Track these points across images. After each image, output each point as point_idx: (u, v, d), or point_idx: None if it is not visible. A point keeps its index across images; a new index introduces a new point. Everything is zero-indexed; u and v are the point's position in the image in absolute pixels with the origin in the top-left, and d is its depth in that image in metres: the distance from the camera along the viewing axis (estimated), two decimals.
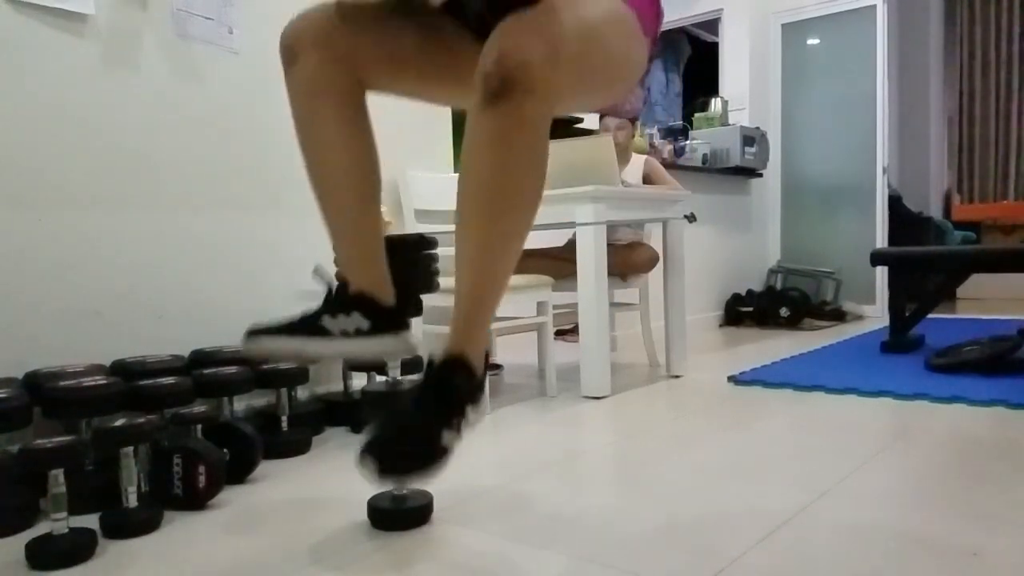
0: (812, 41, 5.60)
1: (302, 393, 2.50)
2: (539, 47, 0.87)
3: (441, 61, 1.13)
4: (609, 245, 2.98)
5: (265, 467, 1.99)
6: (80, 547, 1.43)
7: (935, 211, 6.76)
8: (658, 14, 1.12)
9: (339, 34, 1.08)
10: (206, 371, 2.00)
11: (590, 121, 4.03)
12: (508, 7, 1.04)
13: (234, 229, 2.37)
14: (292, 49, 1.09)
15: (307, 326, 1.15)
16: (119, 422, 1.62)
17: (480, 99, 0.87)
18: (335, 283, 1.18)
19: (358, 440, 0.91)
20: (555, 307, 3.19)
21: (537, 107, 0.88)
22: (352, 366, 2.50)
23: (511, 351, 3.86)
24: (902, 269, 3.78)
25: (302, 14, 1.12)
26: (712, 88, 5.61)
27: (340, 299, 1.16)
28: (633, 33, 1.05)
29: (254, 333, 1.17)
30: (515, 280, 2.81)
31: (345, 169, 1.11)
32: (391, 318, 1.18)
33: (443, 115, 3.08)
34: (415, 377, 2.16)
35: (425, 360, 1.07)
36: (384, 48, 1.10)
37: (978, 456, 1.95)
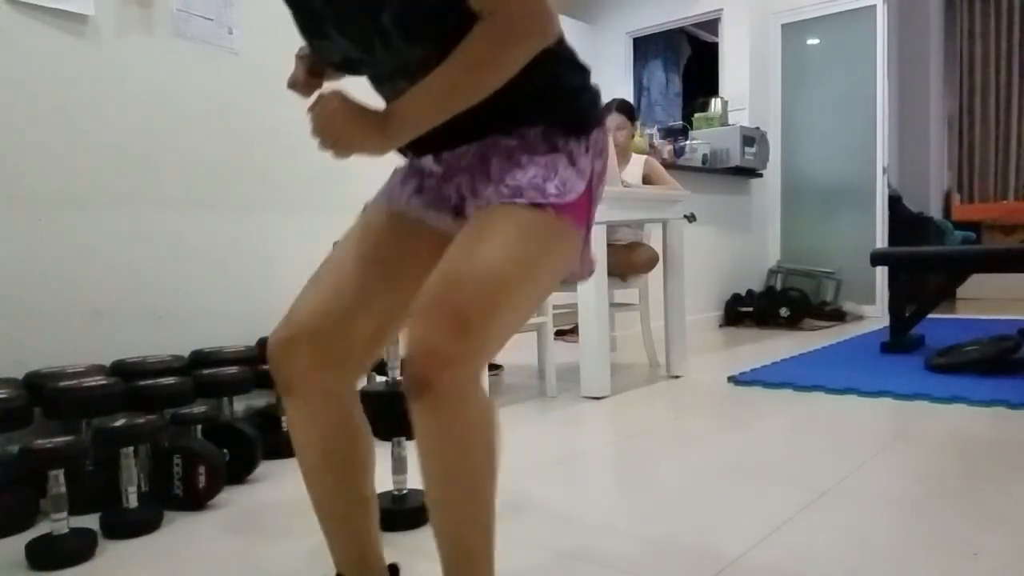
0: (812, 41, 5.60)
1: None
2: (441, 332, 0.84)
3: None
4: (609, 245, 2.98)
5: (265, 467, 1.99)
6: (80, 547, 1.43)
7: (935, 211, 6.76)
8: (591, 200, 1.05)
9: (333, 335, 1.00)
10: (206, 371, 2.00)
11: None
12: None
13: (234, 229, 2.37)
14: (287, 384, 1.00)
15: None
16: (119, 422, 1.62)
17: (408, 397, 0.86)
18: None
19: None
20: (555, 307, 3.19)
21: (458, 383, 0.85)
22: None
23: (511, 351, 3.86)
24: (902, 269, 3.78)
25: (282, 340, 1.00)
26: (712, 88, 5.61)
27: None
28: (560, 239, 0.99)
29: None
30: None
31: (344, 491, 1.07)
32: None
33: None
34: None
35: None
36: (383, 312, 1.04)
37: (978, 456, 1.95)
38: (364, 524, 1.10)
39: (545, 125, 1.01)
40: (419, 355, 0.84)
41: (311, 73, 1.09)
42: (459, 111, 0.92)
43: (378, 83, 1.07)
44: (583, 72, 1.07)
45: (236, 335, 2.30)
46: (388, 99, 1.04)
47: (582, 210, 1.02)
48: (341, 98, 0.91)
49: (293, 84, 1.10)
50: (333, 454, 1.04)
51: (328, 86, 1.01)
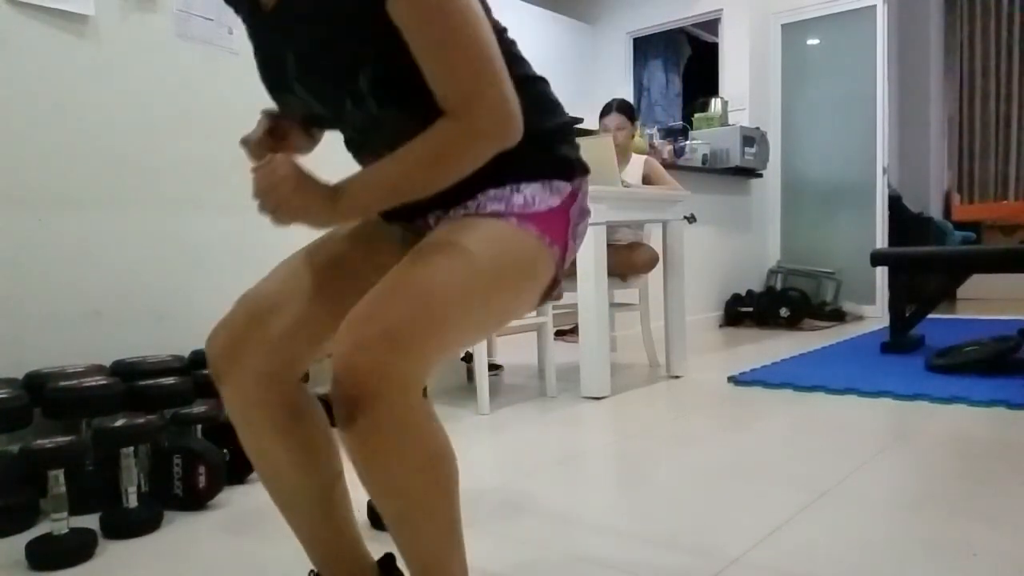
0: (812, 41, 5.60)
1: None
2: (369, 347, 0.78)
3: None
4: (609, 245, 2.98)
5: None
6: (80, 547, 1.43)
7: (935, 211, 6.77)
8: (567, 219, 1.00)
9: (270, 334, 0.96)
10: (206, 371, 2.00)
11: (590, 121, 4.03)
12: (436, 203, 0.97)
13: (234, 229, 2.37)
14: (220, 371, 0.98)
15: None
16: (119, 422, 1.62)
17: (337, 421, 0.80)
18: None
19: None
20: (555, 307, 3.19)
21: (394, 406, 0.78)
22: None
23: (511, 351, 3.86)
24: (902, 269, 3.78)
25: (223, 325, 0.99)
26: (712, 88, 5.61)
27: None
28: (523, 250, 0.94)
29: None
30: None
31: (299, 481, 1.02)
32: None
33: None
34: None
35: None
36: (323, 312, 0.99)
37: (978, 456, 1.95)
38: (331, 513, 1.06)
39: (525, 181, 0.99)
40: (346, 373, 0.78)
41: (270, 133, 1.02)
42: (410, 200, 0.90)
43: (356, 151, 1.05)
44: (563, 123, 1.04)
45: None
46: (365, 165, 1.02)
47: (554, 225, 0.98)
48: (292, 164, 0.88)
49: (245, 142, 1.01)
50: (281, 438, 0.99)
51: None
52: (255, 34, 1.00)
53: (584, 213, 1.05)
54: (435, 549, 0.91)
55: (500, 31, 0.99)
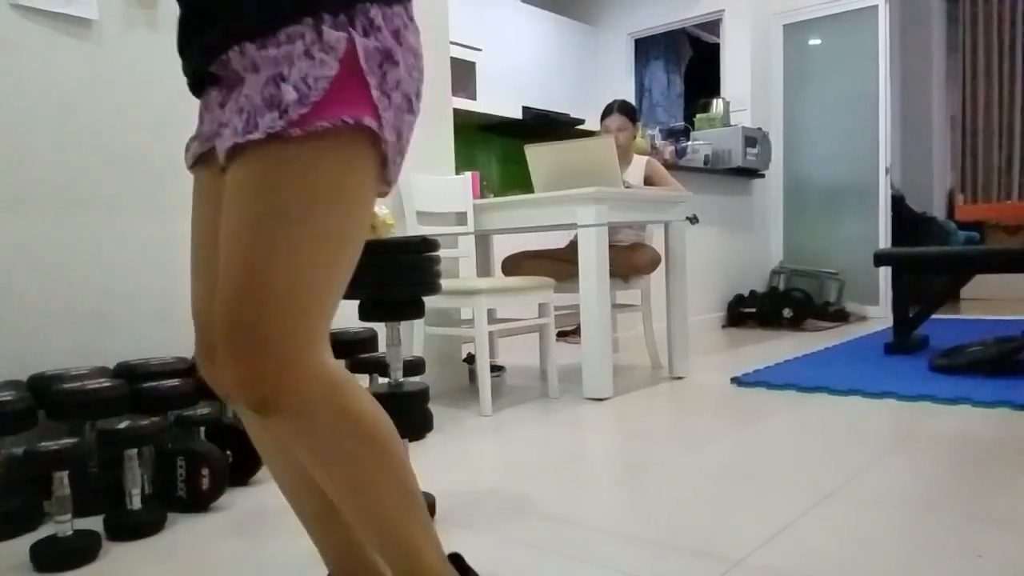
0: (814, 41, 5.60)
1: None
2: (242, 360, 0.76)
3: None
4: (611, 246, 2.98)
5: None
6: (84, 549, 1.44)
7: (938, 211, 6.75)
8: (360, 75, 0.78)
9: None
10: None
11: (591, 122, 4.04)
12: None
13: None
14: (216, 386, 0.97)
15: None
16: (123, 424, 1.62)
17: (245, 411, 0.82)
18: None
19: None
20: (557, 308, 3.19)
21: (295, 395, 0.77)
22: (353, 368, 2.50)
23: (513, 353, 3.86)
24: (905, 270, 3.77)
25: (196, 337, 0.96)
26: (714, 89, 5.61)
27: None
28: (325, 163, 0.77)
29: None
30: (517, 282, 2.81)
31: (304, 486, 1.02)
32: None
33: (445, 119, 3.08)
34: (417, 379, 2.16)
35: None
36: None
37: (982, 457, 1.95)
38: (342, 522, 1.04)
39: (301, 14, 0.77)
40: (238, 390, 0.77)
41: None
42: None
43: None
44: None
45: None
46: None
47: (347, 96, 0.76)
48: None
49: None
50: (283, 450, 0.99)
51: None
52: None
53: (388, 45, 0.80)
54: (395, 519, 0.88)
55: None
